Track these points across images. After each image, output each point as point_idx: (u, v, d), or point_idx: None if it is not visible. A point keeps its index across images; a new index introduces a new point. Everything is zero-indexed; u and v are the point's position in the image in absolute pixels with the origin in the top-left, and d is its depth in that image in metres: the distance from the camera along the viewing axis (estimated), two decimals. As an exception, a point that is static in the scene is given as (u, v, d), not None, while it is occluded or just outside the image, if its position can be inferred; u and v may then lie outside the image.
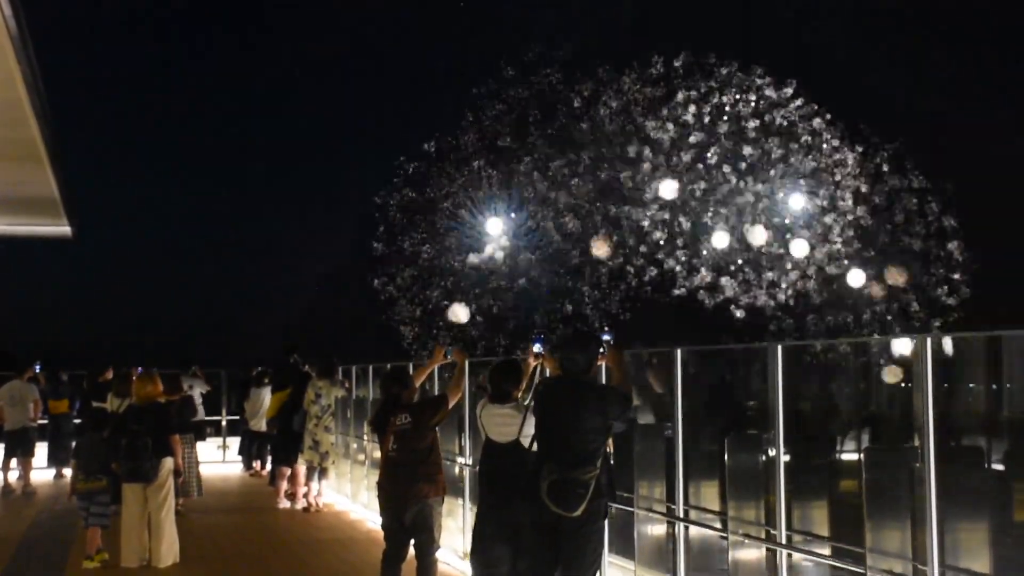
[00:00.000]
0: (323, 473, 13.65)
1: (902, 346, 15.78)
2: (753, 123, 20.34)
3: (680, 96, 20.57)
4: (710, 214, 20.31)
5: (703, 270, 20.32)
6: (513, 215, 21.35)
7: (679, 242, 20.52)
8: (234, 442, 19.57)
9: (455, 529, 9.95)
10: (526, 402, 6.70)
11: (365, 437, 13.13)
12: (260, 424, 16.90)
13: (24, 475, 15.96)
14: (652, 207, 20.22)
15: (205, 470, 17.92)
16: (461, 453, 10.05)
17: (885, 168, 20.96)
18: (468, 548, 9.54)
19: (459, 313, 19.18)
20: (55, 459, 17.36)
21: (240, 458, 18.77)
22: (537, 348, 6.87)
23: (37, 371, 16.84)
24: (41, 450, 17.03)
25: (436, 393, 10.13)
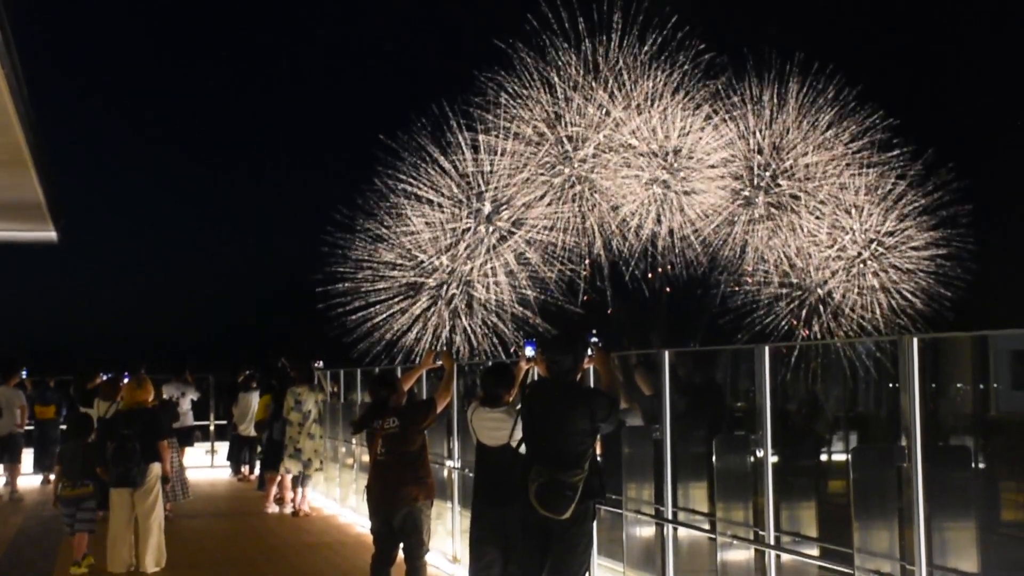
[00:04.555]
0: (305, 480, 13.53)
1: None
2: None
3: None
4: None
5: None
6: None
7: None
8: (222, 447, 19.51)
9: (444, 532, 9.94)
10: (517, 406, 6.69)
11: (353, 441, 13.09)
12: (248, 429, 16.86)
13: (11, 481, 15.90)
14: None
15: (194, 475, 17.90)
16: (450, 456, 10.03)
17: None
18: (457, 551, 9.55)
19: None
20: (42, 465, 17.29)
21: (228, 463, 18.72)
22: (529, 352, 6.84)
23: (24, 377, 16.77)
24: (28, 456, 16.97)
25: (424, 397, 10.11)
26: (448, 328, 22.75)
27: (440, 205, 22.46)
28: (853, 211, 21.94)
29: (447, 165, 22.51)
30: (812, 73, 22.38)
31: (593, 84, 22.00)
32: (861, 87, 22.49)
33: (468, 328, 22.63)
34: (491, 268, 22.48)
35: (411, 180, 22.75)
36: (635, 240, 22.02)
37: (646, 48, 21.97)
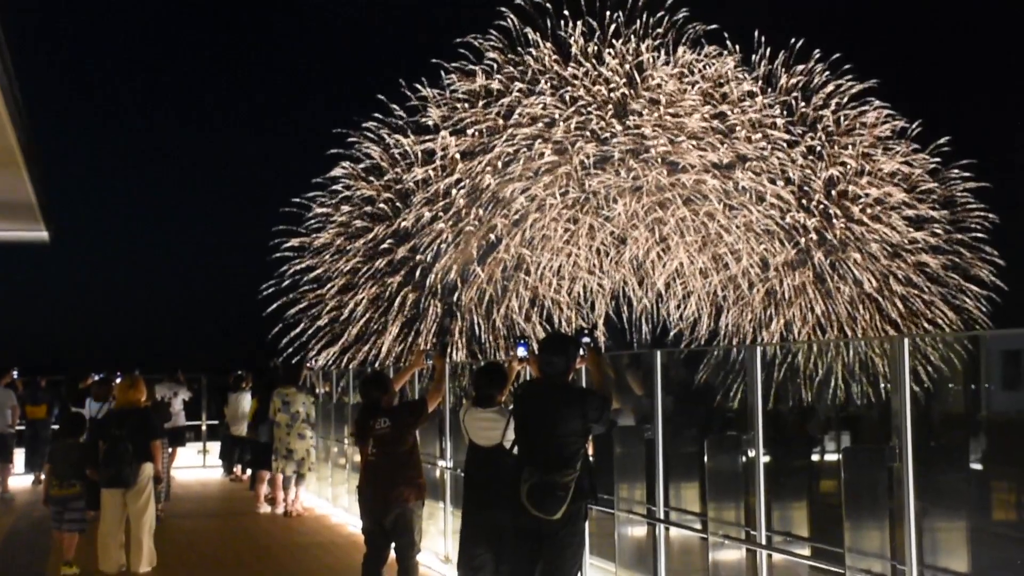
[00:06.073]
0: (299, 480, 13.48)
1: None
2: None
3: None
4: None
5: None
6: None
7: None
8: (215, 447, 19.49)
9: (435, 532, 9.94)
10: (510, 406, 6.68)
11: (346, 441, 13.06)
12: (241, 429, 16.84)
13: (2, 481, 15.86)
14: None
15: (186, 475, 17.87)
16: (442, 456, 10.03)
17: None
18: (449, 551, 9.55)
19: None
20: (33, 465, 17.26)
21: (220, 463, 18.70)
22: (522, 352, 6.83)
23: (15, 377, 16.75)
24: (19, 456, 16.95)
25: (416, 398, 10.11)
26: (439, 329, 22.76)
27: (436, 214, 22.47)
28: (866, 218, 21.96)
29: (440, 171, 22.54)
30: (813, 62, 22.26)
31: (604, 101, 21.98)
32: (878, 82, 22.35)
33: (458, 331, 22.65)
34: (483, 276, 22.51)
35: (407, 185, 22.78)
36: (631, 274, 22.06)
37: (648, 52, 21.95)
